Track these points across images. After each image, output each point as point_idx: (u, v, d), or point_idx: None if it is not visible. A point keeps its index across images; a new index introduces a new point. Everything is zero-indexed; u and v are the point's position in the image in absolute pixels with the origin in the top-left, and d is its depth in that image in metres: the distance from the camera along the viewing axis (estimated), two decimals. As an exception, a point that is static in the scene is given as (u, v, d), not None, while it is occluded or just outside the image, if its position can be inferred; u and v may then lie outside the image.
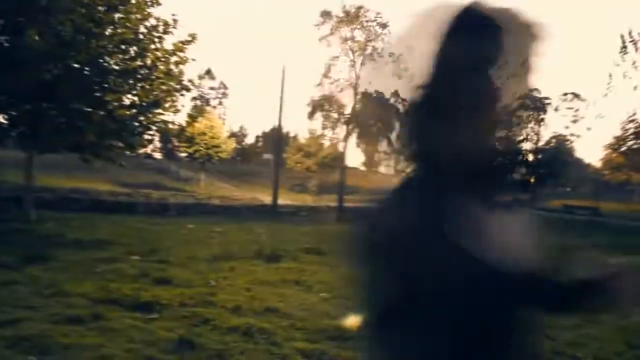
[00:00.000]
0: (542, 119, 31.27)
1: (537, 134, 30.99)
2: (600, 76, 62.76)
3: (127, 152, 14.46)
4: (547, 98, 30.89)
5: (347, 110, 30.00)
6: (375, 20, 28.17)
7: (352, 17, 28.24)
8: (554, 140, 31.95)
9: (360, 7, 28.26)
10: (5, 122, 12.11)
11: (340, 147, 33.73)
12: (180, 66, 12.91)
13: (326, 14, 28.68)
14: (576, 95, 34.43)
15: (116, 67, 12.05)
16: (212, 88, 72.95)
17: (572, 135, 32.94)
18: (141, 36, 12.31)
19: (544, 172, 29.47)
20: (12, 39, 10.94)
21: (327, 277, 7.66)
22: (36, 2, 10.37)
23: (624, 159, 33.50)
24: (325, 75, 29.59)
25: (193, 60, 13.02)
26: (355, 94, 28.90)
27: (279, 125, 29.78)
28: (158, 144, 63.13)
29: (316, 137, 40.06)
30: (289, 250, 9.76)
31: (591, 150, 73.68)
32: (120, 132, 12.39)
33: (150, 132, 13.72)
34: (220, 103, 73.51)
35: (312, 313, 5.46)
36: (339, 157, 33.13)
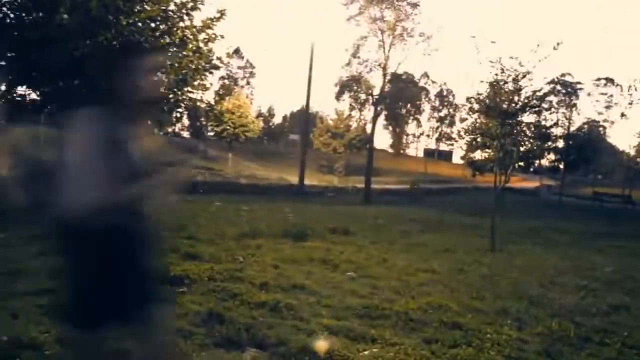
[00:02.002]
0: (575, 105, 30.70)
1: (569, 119, 30.42)
2: (636, 61, 61.18)
3: (156, 130, 14.60)
4: (579, 83, 30.29)
5: (376, 92, 29.70)
6: (405, 0, 27.71)
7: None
8: (586, 126, 31.32)
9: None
10: (38, 98, 12.32)
11: (368, 128, 33.54)
12: (210, 44, 12.93)
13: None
14: (610, 80, 33.64)
15: (145, 45, 12.12)
16: (240, 67, 73.16)
17: (605, 121, 32.31)
18: (170, 13, 12.33)
19: (574, 158, 28.95)
20: (44, 17, 11.09)
21: (353, 256, 7.71)
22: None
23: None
24: (354, 56, 29.33)
25: (222, 37, 13.02)
26: (384, 74, 28.59)
27: (307, 106, 29.72)
28: (186, 123, 63.73)
29: (344, 118, 39.91)
30: (315, 230, 9.82)
31: (625, 137, 71.99)
32: (150, 109, 12.51)
33: (179, 110, 13.82)
34: (248, 83, 73.75)
35: (339, 291, 5.50)
36: (367, 139, 32.97)
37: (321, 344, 3.84)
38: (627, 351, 4.52)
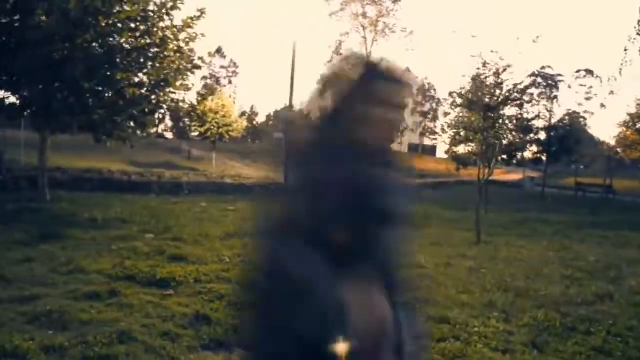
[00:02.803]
0: (555, 97, 30.94)
1: (550, 111, 30.67)
2: (614, 53, 61.79)
3: (139, 132, 14.49)
4: (560, 75, 30.52)
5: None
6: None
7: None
8: (567, 118, 31.61)
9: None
10: (17, 102, 12.15)
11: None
12: (191, 44, 12.83)
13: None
14: (589, 72, 33.99)
15: (125, 46, 12.01)
16: (222, 67, 72.76)
17: (585, 112, 32.62)
18: (150, 13, 12.21)
19: (556, 150, 29.21)
20: (21, 19, 10.94)
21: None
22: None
23: (638, 137, 33.09)
24: (336, 52, 29.33)
25: (202, 36, 12.93)
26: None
27: (290, 104, 29.64)
28: (169, 124, 63.29)
29: (327, 115, 39.81)
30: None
31: (605, 127, 72.81)
32: (131, 111, 12.39)
33: (161, 111, 13.72)
34: (231, 82, 73.38)
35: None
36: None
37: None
38: (612, 339, 4.56)
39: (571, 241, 11.04)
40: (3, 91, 11.92)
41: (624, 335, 4.67)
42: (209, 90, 29.68)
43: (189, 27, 12.60)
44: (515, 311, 5.21)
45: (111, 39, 11.89)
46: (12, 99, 12.16)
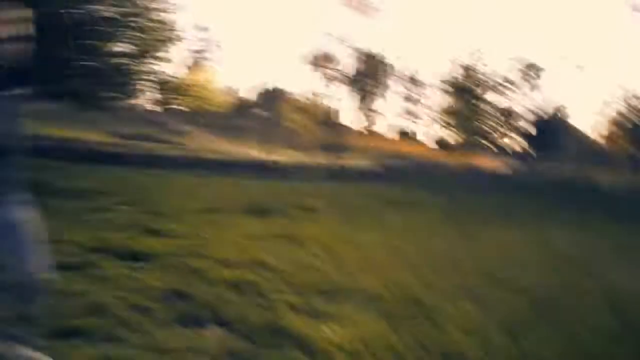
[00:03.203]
0: (537, 85, 31.14)
1: (532, 100, 30.89)
2: (594, 41, 62.27)
3: (119, 102, 14.28)
4: (541, 64, 30.66)
5: (344, 68, 29.62)
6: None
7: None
8: (548, 107, 31.89)
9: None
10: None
11: (336, 105, 33.51)
12: (172, 14, 12.63)
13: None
14: (574, 64, 34.24)
15: (106, 14, 11.77)
16: (204, 40, 71.72)
17: (565, 101, 32.95)
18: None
19: (538, 138, 29.49)
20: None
21: (319, 234, 7.68)
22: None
23: (618, 129, 33.54)
24: (323, 32, 29.16)
25: (183, 8, 12.74)
26: (352, 51, 28.53)
27: (274, 82, 29.48)
28: (150, 95, 62.43)
29: (312, 94, 39.68)
30: (280, 206, 9.76)
31: (584, 117, 73.60)
32: (112, 80, 12.20)
33: (142, 82, 13.50)
34: (213, 57, 72.43)
35: (302, 268, 5.48)
36: (334, 116, 32.94)
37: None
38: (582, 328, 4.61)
39: (549, 227, 11.12)
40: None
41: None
42: (191, 64, 29.26)
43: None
44: (489, 296, 5.25)
45: (91, 7, 11.65)
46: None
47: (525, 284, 6.02)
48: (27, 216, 2.37)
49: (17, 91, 2.21)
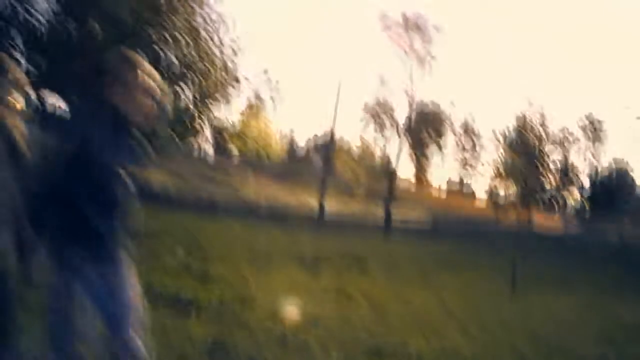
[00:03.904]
0: (600, 142, 30.20)
1: (595, 157, 29.95)
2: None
3: (179, 143, 14.69)
4: (605, 120, 29.80)
5: (401, 119, 29.74)
6: (431, 25, 27.76)
7: (409, 22, 28.01)
8: (613, 166, 30.78)
9: (418, 13, 28.01)
10: (68, 110, 12.47)
11: (391, 155, 33.49)
12: (235, 61, 13.01)
13: (384, 18, 28.54)
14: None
15: (171, 57, 12.27)
16: (266, 88, 73.67)
17: (632, 159, 31.71)
18: (196, 27, 12.45)
19: (600, 199, 28.39)
20: (76, 27, 11.29)
21: (368, 290, 7.51)
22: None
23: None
24: (381, 83, 29.45)
25: (247, 56, 13.12)
26: (410, 102, 28.62)
27: (331, 130, 29.75)
28: (210, 139, 64.21)
29: (367, 144, 39.86)
30: (332, 260, 9.65)
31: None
32: (173, 121, 12.61)
33: (202, 125, 13.85)
34: (274, 104, 74.15)
35: (351, 326, 5.32)
36: (389, 166, 32.86)
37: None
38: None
39: (611, 299, 10.54)
40: (54, 97, 12.29)
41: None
42: (251, 110, 30.00)
43: (233, 45, 12.75)
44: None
45: (159, 50, 12.16)
46: (63, 106, 12.51)
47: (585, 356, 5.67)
48: (130, 275, 2.31)
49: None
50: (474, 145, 64.06)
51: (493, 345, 5.57)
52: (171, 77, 12.16)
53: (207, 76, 12.67)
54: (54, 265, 1.92)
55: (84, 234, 2.06)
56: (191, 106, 12.88)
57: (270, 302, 5.66)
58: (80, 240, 2.05)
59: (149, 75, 2.22)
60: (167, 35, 12.02)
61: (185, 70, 12.45)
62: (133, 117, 2.22)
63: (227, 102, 13.33)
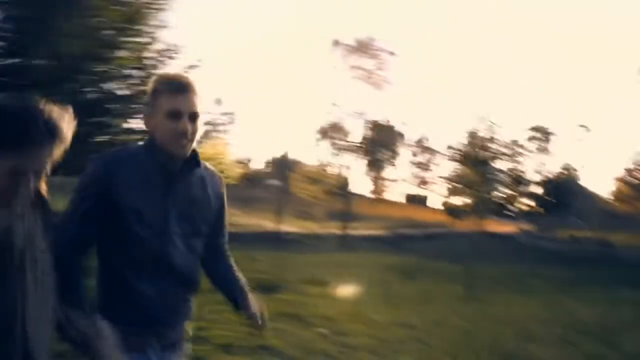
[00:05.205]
0: (548, 150, 31.18)
1: (544, 164, 30.87)
2: (607, 106, 62.94)
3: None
4: (553, 129, 30.83)
5: (354, 138, 30.05)
6: (384, 50, 28.34)
7: (362, 46, 28.48)
8: (561, 171, 31.79)
9: (370, 37, 28.53)
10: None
11: (346, 174, 33.70)
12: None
13: (337, 43, 28.97)
14: (583, 127, 34.40)
15: (119, 92, 12.05)
16: (220, 114, 73.36)
17: (579, 165, 32.85)
18: (146, 61, 12.29)
19: (551, 203, 29.23)
20: (23, 61, 10.99)
21: (328, 310, 7.45)
22: (47, 26, 10.41)
23: (633, 191, 33.20)
24: (334, 104, 29.75)
25: (200, 85, 13.02)
26: (363, 121, 28.99)
27: (286, 153, 29.79)
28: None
29: (322, 164, 39.99)
30: (290, 281, 9.56)
31: (599, 181, 73.62)
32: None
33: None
34: (227, 129, 73.78)
35: (307, 351, 5.25)
36: (345, 185, 33.05)
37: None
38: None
39: (565, 298, 10.80)
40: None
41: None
42: (205, 137, 29.72)
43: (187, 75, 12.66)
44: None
45: (105, 85, 11.93)
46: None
47: (543, 359, 5.75)
48: None
49: None
50: (428, 161, 65.25)
51: (453, 357, 5.59)
52: (122, 111, 11.93)
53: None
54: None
55: None
56: (143, 139, 12.63)
57: (224, 334, 5.52)
58: None
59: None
60: (116, 71, 11.82)
61: (136, 105, 12.23)
62: None
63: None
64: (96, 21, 11.20)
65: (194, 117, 1.90)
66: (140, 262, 1.89)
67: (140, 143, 2.12)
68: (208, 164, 2.10)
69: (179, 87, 1.91)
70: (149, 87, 2.02)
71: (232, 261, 2.27)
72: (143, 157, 1.97)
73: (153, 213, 1.89)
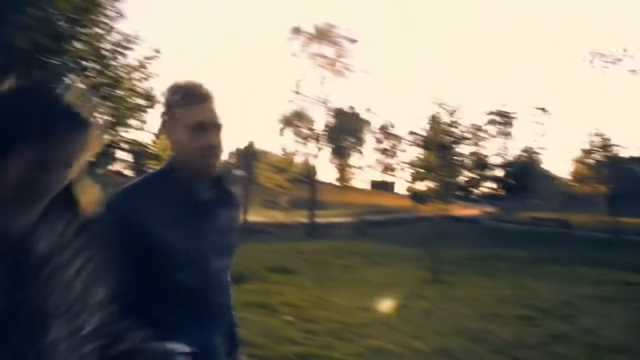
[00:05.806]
0: (509, 133, 31.67)
1: (506, 147, 31.38)
2: (565, 89, 64.50)
3: (94, 170, 14.08)
4: (514, 113, 31.31)
5: (318, 126, 30.03)
6: (344, 37, 28.25)
7: (322, 34, 28.34)
8: (522, 154, 32.39)
9: (330, 24, 28.38)
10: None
11: (312, 162, 33.70)
12: (146, 83, 12.63)
13: (297, 31, 28.74)
14: (542, 109, 35.07)
15: (78, 85, 11.77)
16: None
17: (539, 148, 33.49)
18: (103, 52, 12.00)
19: (512, 185, 29.81)
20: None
21: (292, 298, 7.47)
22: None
23: (590, 172, 34.06)
24: (296, 92, 29.58)
25: (157, 76, 12.76)
26: (327, 109, 28.96)
27: (251, 143, 29.60)
28: (129, 160, 62.15)
29: (287, 153, 39.90)
30: (255, 270, 9.53)
31: (559, 163, 75.49)
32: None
33: (116, 149, 13.35)
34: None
35: (273, 339, 5.25)
36: (310, 173, 33.06)
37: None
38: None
39: (526, 278, 11.06)
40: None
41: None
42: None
43: (143, 67, 12.42)
44: (469, 357, 5.06)
45: (62, 78, 11.62)
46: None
47: (506, 338, 5.87)
48: None
49: None
50: (393, 147, 65.72)
51: (418, 338, 5.66)
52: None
53: (118, 102, 12.20)
54: None
55: None
56: (105, 135, 12.35)
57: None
58: None
59: None
60: (71, 63, 11.50)
61: (96, 98, 11.93)
62: None
63: (142, 124, 12.86)
64: (49, 12, 10.88)
65: (218, 128, 1.69)
66: (181, 309, 1.64)
67: (152, 170, 1.83)
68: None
69: (199, 96, 1.66)
70: (162, 99, 1.77)
71: (232, 297, 1.98)
72: (165, 185, 1.68)
73: (190, 251, 1.65)
